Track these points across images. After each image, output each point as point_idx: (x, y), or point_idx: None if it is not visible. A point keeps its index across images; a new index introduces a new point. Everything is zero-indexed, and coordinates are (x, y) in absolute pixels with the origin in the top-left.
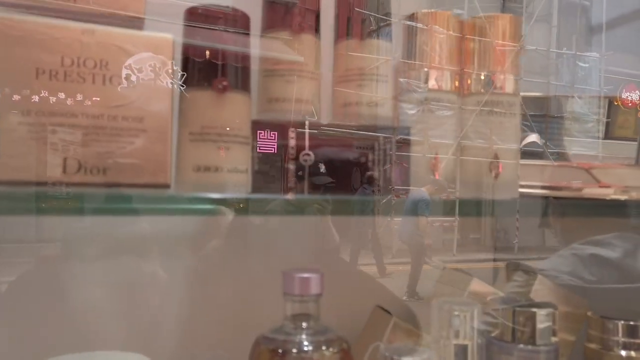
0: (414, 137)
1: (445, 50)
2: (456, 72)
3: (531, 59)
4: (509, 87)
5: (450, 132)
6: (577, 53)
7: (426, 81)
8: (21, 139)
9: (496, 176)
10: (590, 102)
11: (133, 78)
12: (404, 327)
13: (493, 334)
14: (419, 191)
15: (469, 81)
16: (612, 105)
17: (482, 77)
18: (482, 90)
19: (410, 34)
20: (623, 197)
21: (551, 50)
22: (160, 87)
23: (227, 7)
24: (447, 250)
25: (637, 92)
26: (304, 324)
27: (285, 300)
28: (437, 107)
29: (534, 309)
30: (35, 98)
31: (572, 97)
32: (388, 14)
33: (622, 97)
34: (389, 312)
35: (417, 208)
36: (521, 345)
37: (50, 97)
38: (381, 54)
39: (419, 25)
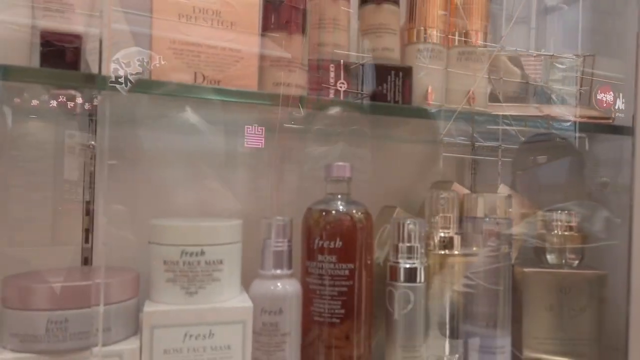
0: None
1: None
2: (443, 29)
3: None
4: (481, 41)
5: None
6: (555, 54)
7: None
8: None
9: (471, 104)
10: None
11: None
12: (405, 214)
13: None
14: None
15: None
16: None
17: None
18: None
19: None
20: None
21: (530, 51)
22: (252, 33)
23: None
24: None
25: (611, 93)
26: (339, 196)
27: (327, 181)
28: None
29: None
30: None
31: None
32: None
33: (597, 98)
34: (394, 206)
35: None
36: (487, 218)
37: None
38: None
39: None
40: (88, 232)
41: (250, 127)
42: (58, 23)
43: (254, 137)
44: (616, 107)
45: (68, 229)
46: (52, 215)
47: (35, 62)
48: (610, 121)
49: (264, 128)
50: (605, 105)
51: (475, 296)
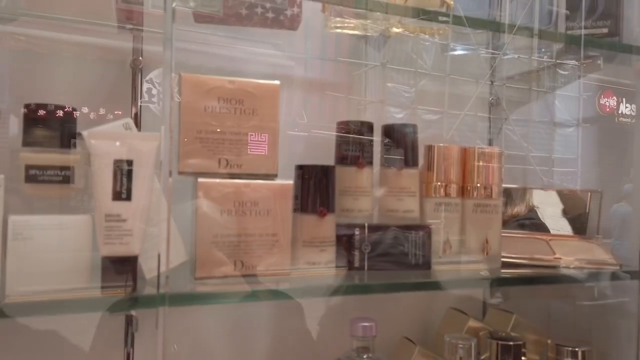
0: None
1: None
2: (460, 183)
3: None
4: (495, 194)
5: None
6: (557, 61)
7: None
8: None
9: (487, 253)
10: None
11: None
12: (426, 353)
13: (483, 358)
14: None
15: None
16: None
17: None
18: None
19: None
20: (570, 266)
21: (532, 58)
22: (286, 216)
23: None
24: None
25: (615, 97)
26: (365, 355)
27: (352, 339)
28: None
29: (510, 341)
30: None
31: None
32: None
33: (601, 102)
34: (413, 342)
35: None
36: None
37: None
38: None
39: None
40: None
41: (254, 134)
42: (118, 248)
43: (257, 145)
44: (619, 112)
45: None
46: None
47: (95, 284)
48: (618, 267)
49: (267, 135)
50: (608, 109)
51: None
